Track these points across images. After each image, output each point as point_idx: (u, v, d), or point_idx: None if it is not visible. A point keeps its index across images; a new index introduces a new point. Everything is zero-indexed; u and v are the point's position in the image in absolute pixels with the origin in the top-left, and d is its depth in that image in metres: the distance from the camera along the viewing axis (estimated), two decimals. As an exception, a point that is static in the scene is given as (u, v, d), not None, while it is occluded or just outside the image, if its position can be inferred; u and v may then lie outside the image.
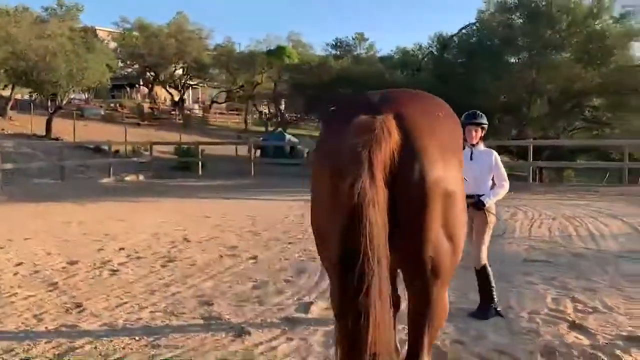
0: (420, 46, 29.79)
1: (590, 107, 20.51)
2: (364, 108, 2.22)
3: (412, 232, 2.10)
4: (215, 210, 11.87)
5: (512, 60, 21.57)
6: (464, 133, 4.51)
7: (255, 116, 54.96)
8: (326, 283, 5.92)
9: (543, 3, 19.97)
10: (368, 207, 1.94)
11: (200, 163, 22.18)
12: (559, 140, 19.84)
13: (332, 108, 2.66)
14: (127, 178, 19.89)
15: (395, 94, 2.42)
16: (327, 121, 2.57)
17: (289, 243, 8.22)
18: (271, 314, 4.92)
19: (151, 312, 4.96)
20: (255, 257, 7.20)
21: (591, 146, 20.67)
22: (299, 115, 50.63)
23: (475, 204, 4.60)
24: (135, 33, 44.45)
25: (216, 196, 15.01)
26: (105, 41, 36.01)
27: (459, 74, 20.31)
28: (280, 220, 10.47)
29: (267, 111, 57.32)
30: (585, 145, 20.40)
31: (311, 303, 5.21)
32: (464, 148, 4.41)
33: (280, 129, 42.82)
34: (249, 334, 4.39)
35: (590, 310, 4.95)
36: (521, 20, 20.82)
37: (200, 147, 23.74)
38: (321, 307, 5.08)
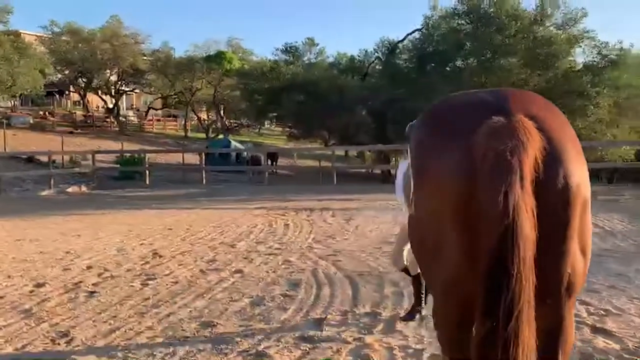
0: (366, 52, 30.12)
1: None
2: (488, 108, 1.99)
3: (551, 245, 1.89)
4: (176, 222, 11.29)
5: (462, 64, 22.08)
6: None
7: (193, 122, 53.68)
8: (327, 295, 5.67)
9: (492, 10, 20.58)
10: (523, 221, 1.72)
11: (147, 172, 21.22)
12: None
13: (437, 108, 2.42)
14: (69, 190, 18.74)
15: (507, 92, 2.19)
16: (434, 122, 2.28)
17: (270, 254, 7.87)
18: (283, 332, 4.60)
19: (149, 337, 4.51)
20: (240, 271, 6.81)
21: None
22: (242, 122, 49.92)
23: None
24: (65, 38, 42.33)
25: (171, 206, 14.36)
26: (33, 46, 33.97)
27: (411, 79, 20.56)
28: (249, 231, 10.07)
29: (206, 117, 56.16)
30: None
31: (322, 319, 4.92)
32: None
33: (222, 136, 42.17)
34: (269, 356, 4.05)
35: (604, 312, 4.95)
36: (470, 26, 21.37)
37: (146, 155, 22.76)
38: (333, 323, 4.81)
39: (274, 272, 6.80)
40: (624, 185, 17.94)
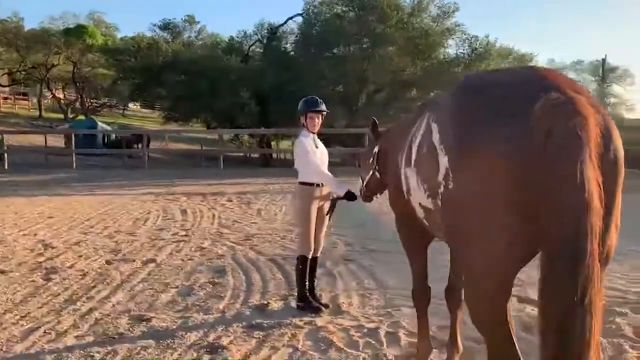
0: (245, 33, 29.51)
1: (410, 99, 22.46)
2: (538, 85, 2.00)
3: (604, 218, 1.95)
4: (55, 210, 10.21)
5: (345, 51, 22.56)
6: (305, 120, 4.71)
7: (47, 101, 48.86)
8: (258, 280, 5.50)
9: None
10: (595, 194, 1.76)
11: (6, 156, 18.93)
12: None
13: (479, 83, 2.36)
14: None
15: (541, 70, 2.21)
16: (481, 98, 2.20)
17: (178, 241, 7.44)
18: (228, 322, 4.36)
19: (77, 336, 4.03)
20: (153, 260, 6.35)
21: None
22: (106, 102, 46.47)
23: (351, 196, 4.60)
24: None
25: (43, 193, 12.94)
26: None
27: (294, 64, 20.54)
28: (145, 217, 9.44)
29: (62, 96, 51.43)
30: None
31: (265, 304, 4.76)
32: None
33: (84, 117, 38.88)
34: (225, 347, 3.82)
35: (519, 283, 5.34)
36: (353, 14, 21.88)
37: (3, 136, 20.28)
38: (277, 309, 4.67)
39: (190, 259, 6.45)
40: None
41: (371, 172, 4.13)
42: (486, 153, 2.02)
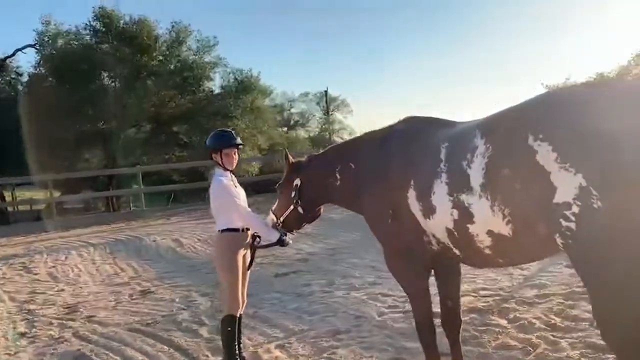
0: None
1: (175, 133, 21.95)
2: None
3: None
4: None
5: (106, 83, 20.94)
6: (220, 157, 4.31)
7: None
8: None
9: (135, 28, 20.23)
10: None
11: None
12: (161, 165, 20.26)
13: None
14: None
15: None
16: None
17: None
18: None
19: None
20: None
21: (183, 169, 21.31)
22: None
23: (283, 242, 4.21)
24: None
25: None
26: None
27: (43, 101, 18.08)
28: None
29: None
30: (186, 166, 20.63)
31: None
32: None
33: None
34: None
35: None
36: (107, 45, 20.43)
37: None
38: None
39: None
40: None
41: (291, 207, 4.00)
42: None
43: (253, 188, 20.65)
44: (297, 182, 4.00)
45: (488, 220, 2.65)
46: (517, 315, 4.99)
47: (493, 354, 4.21)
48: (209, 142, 4.32)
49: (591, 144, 2.23)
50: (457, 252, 2.99)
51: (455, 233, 2.86)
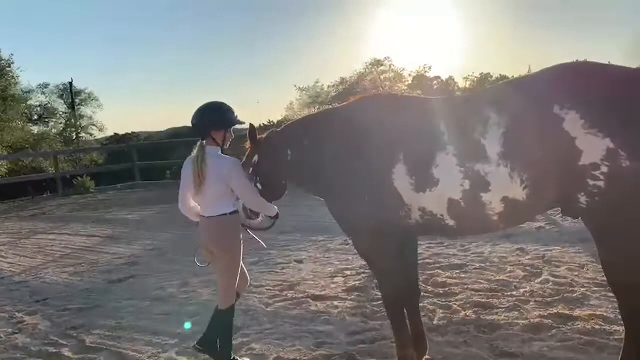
0: None
1: None
2: None
3: None
4: None
5: None
6: (224, 136, 3.89)
7: None
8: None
9: None
10: None
11: None
12: None
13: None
14: None
15: None
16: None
17: None
18: None
19: None
20: None
21: None
22: None
23: (277, 216, 4.09)
24: None
25: None
26: None
27: None
28: None
29: None
30: None
31: None
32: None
33: None
34: None
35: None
36: None
37: None
38: None
39: None
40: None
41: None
42: None
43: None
44: (255, 158, 3.82)
45: (505, 187, 2.83)
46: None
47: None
48: (216, 116, 3.80)
49: (616, 110, 2.58)
50: (450, 222, 3.09)
51: (462, 203, 2.96)
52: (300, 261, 6.95)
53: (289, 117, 25.00)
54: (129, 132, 35.95)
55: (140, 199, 15.14)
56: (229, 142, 3.92)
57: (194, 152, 3.81)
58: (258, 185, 3.85)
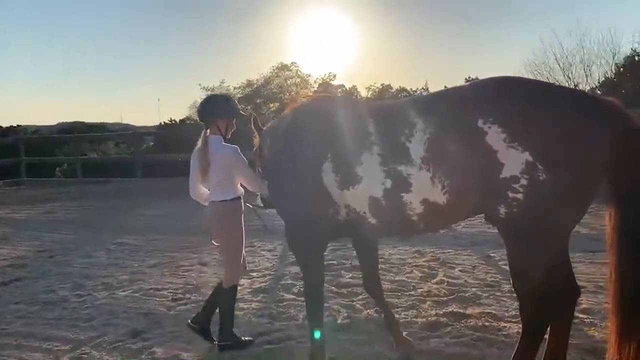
0: None
1: None
2: None
3: None
4: None
5: None
6: (227, 125, 4.17)
7: None
8: None
9: None
10: None
11: None
12: None
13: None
14: None
15: None
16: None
17: None
18: None
19: None
20: None
21: None
22: None
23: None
24: None
25: None
26: None
27: None
28: None
29: None
30: None
31: None
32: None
33: None
34: None
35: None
36: None
37: None
38: None
39: None
40: None
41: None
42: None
43: None
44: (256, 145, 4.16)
45: (426, 190, 2.92)
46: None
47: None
48: (221, 107, 4.12)
49: (536, 125, 2.66)
50: (372, 220, 3.20)
51: (383, 201, 3.07)
52: (204, 264, 6.83)
53: (191, 116, 24.36)
54: (15, 124, 33.31)
55: (27, 198, 14.07)
56: (230, 132, 4.19)
57: (199, 143, 4.09)
58: (258, 169, 4.15)
